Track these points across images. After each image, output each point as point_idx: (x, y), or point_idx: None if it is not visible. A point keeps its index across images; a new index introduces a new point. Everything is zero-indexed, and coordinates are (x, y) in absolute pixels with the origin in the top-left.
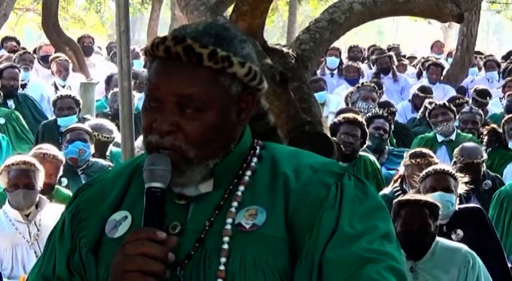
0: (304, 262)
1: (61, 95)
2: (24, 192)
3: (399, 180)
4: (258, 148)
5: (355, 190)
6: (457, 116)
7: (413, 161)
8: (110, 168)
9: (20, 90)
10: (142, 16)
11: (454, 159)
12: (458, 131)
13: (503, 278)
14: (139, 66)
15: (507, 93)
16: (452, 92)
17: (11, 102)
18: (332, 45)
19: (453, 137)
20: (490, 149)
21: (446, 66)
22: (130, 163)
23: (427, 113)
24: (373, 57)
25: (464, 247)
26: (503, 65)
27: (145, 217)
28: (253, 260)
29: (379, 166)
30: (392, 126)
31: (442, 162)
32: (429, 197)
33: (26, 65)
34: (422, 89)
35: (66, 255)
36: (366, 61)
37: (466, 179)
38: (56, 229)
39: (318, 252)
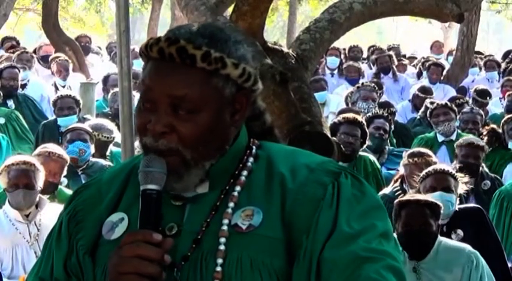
0: (302, 262)
1: (61, 95)
2: (24, 192)
3: (399, 180)
4: (254, 147)
5: (353, 189)
6: (458, 116)
7: (411, 160)
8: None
9: (19, 90)
10: (142, 16)
11: (455, 146)
12: (459, 131)
13: (503, 278)
14: (139, 66)
15: (507, 94)
16: (453, 92)
17: (10, 103)
18: (332, 45)
19: (454, 137)
20: (490, 149)
21: (447, 66)
22: (127, 164)
23: (428, 113)
24: (373, 56)
25: (467, 247)
26: (503, 65)
27: (141, 219)
28: (250, 261)
29: (379, 166)
30: (392, 126)
31: (442, 162)
32: (430, 197)
33: (24, 64)
34: (423, 89)
35: (63, 257)
36: (366, 61)
37: (466, 179)
38: (53, 230)
39: (316, 252)
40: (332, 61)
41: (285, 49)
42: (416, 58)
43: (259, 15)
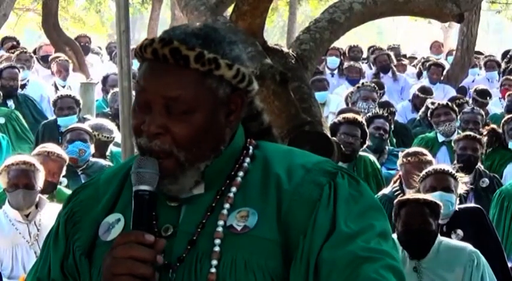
0: (300, 263)
1: (61, 95)
2: (24, 192)
3: (398, 180)
4: (251, 147)
5: (350, 189)
6: (458, 116)
7: (405, 160)
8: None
9: (19, 90)
10: (142, 16)
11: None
12: (459, 131)
13: (503, 278)
14: None
15: (507, 94)
16: (453, 92)
17: (10, 103)
18: (332, 45)
19: (454, 137)
20: (490, 149)
21: (447, 66)
22: (125, 164)
23: (429, 113)
24: (373, 56)
25: (468, 246)
26: (502, 65)
27: (134, 220)
28: (244, 262)
29: (379, 166)
30: (392, 126)
31: (442, 162)
32: (429, 196)
33: (23, 64)
34: (422, 89)
35: (60, 258)
36: (366, 61)
37: (466, 179)
38: (51, 231)
39: (314, 253)
40: (332, 61)
41: (285, 49)
42: (416, 58)
43: (259, 15)
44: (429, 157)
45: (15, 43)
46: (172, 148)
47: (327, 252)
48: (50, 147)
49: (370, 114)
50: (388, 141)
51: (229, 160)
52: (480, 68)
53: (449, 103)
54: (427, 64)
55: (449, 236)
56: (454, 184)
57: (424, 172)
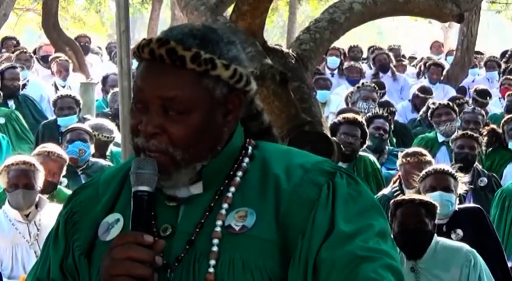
0: (298, 263)
1: (61, 95)
2: (24, 192)
3: (398, 181)
4: (250, 147)
5: (348, 189)
6: (459, 116)
7: (404, 160)
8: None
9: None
10: (142, 16)
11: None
12: (460, 131)
13: (503, 278)
14: None
15: (507, 94)
16: (453, 92)
17: (11, 103)
18: (332, 45)
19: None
20: (490, 149)
21: (447, 66)
22: (125, 165)
23: (429, 113)
24: (372, 56)
25: (465, 246)
26: (502, 65)
27: (132, 220)
28: (242, 262)
29: (379, 166)
30: (392, 126)
31: (442, 162)
32: (425, 197)
33: (23, 64)
34: (422, 89)
35: (60, 258)
36: (366, 61)
37: (466, 178)
38: (51, 231)
39: (313, 253)
40: (332, 61)
41: (285, 49)
42: (416, 58)
43: (259, 15)
44: (428, 157)
45: (14, 43)
46: (169, 148)
47: (325, 252)
48: (50, 147)
49: (370, 114)
50: (388, 141)
51: (228, 160)
52: (480, 68)
53: (450, 103)
54: (427, 64)
55: (449, 236)
56: (454, 184)
57: (424, 172)
